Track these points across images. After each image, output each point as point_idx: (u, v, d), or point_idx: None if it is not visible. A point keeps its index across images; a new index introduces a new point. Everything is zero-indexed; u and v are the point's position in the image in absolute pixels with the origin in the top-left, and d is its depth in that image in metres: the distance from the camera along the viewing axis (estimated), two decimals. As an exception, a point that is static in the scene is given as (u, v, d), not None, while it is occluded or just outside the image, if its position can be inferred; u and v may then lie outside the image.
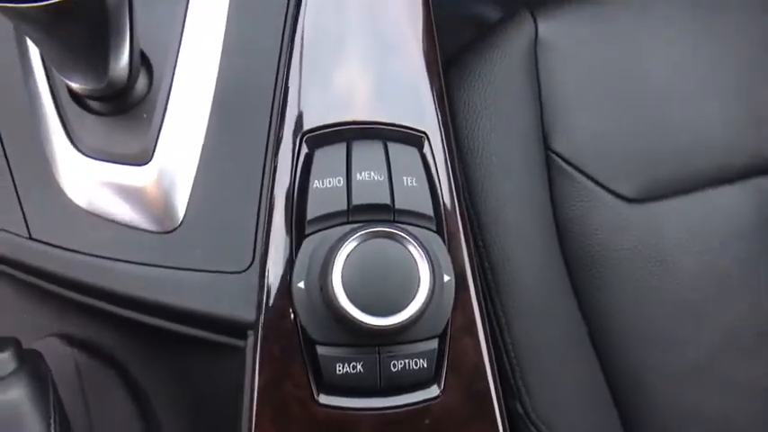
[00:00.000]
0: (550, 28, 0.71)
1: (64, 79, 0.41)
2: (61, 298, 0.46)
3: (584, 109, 0.72)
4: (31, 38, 0.36)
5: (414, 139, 0.44)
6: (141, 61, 0.43)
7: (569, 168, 0.71)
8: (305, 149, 0.43)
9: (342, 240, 0.37)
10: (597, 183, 0.72)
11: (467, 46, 0.73)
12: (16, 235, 0.43)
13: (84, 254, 0.43)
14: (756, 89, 0.76)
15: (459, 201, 0.44)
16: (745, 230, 0.75)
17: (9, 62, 0.45)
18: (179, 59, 0.44)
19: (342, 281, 0.36)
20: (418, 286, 0.37)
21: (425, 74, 0.46)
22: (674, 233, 0.73)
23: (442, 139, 0.45)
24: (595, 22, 0.73)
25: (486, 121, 0.68)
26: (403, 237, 0.37)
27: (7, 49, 0.46)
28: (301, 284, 0.39)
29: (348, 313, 0.36)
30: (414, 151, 0.43)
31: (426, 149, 0.44)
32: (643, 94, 0.73)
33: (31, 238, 0.43)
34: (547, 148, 0.71)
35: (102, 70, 0.37)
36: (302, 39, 0.45)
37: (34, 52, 0.45)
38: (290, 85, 0.44)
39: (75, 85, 0.41)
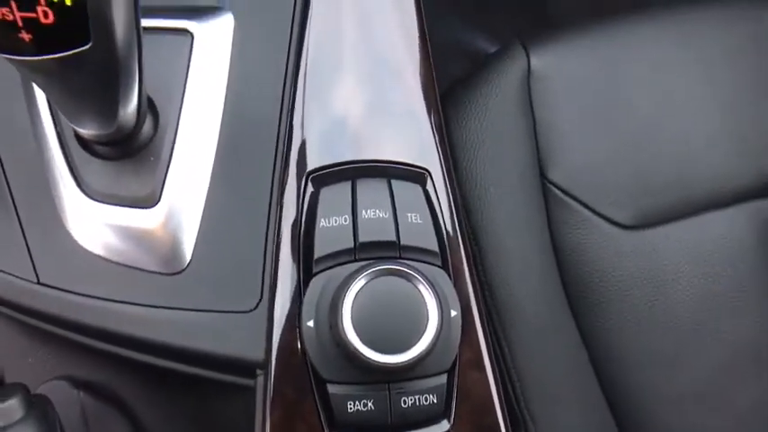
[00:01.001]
0: (542, 60, 0.73)
1: (72, 125, 0.42)
2: (66, 340, 0.46)
3: (577, 139, 0.73)
4: (39, 85, 0.37)
5: (417, 176, 0.45)
6: (147, 105, 0.44)
7: (565, 197, 0.72)
8: (310, 189, 0.43)
9: (350, 279, 0.38)
10: (593, 210, 0.73)
11: (461, 80, 0.74)
12: (25, 280, 0.43)
13: (93, 297, 0.43)
14: (746, 113, 0.78)
15: (462, 235, 0.45)
16: (741, 254, 0.76)
17: (15, 106, 0.46)
18: (184, 102, 0.45)
19: (352, 319, 0.37)
20: (427, 323, 0.37)
21: (425, 110, 0.47)
22: (671, 258, 0.74)
23: (443, 175, 0.46)
24: (586, 54, 0.75)
25: (483, 153, 0.69)
26: (411, 274, 0.38)
27: (14, 93, 0.46)
28: (310, 323, 0.40)
29: (359, 352, 0.36)
30: (417, 188, 0.44)
31: (429, 186, 0.45)
32: (634, 123, 0.74)
33: (39, 282, 0.43)
34: (543, 177, 0.72)
35: (110, 116, 0.38)
36: (304, 78, 0.46)
37: (41, 96, 0.46)
38: (293, 125, 0.45)
39: (82, 131, 0.42)
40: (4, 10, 0.29)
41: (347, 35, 0.48)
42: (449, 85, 0.74)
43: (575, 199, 0.72)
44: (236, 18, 0.48)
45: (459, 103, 0.72)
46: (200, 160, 0.45)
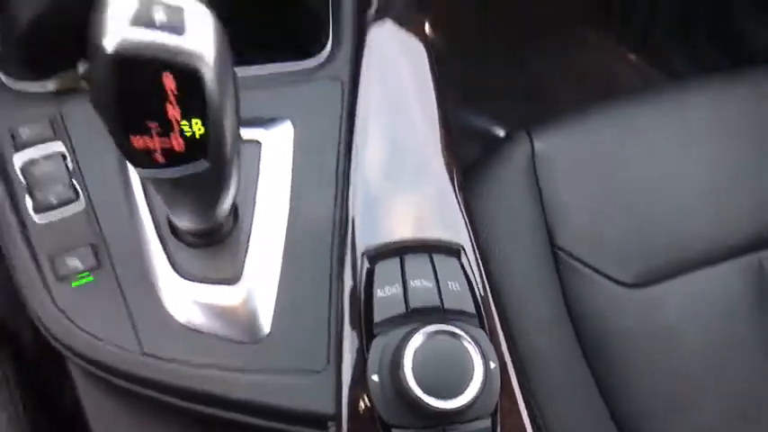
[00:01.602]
0: (545, 143, 0.83)
1: (173, 219, 0.51)
2: (160, 404, 0.53)
3: (581, 209, 0.83)
4: (155, 189, 0.45)
5: (453, 251, 0.53)
6: None
7: (575, 262, 0.80)
8: (366, 264, 0.52)
9: (408, 338, 0.46)
10: (599, 272, 0.81)
11: (474, 164, 0.84)
12: (131, 351, 0.51)
13: (189, 364, 0.51)
14: (734, 183, 0.87)
15: (494, 299, 0.53)
16: (737, 305, 0.83)
17: (116, 199, 0.54)
18: (257, 199, 0.54)
19: (413, 371, 0.44)
20: (473, 373, 0.45)
21: (454, 194, 0.57)
22: (674, 312, 0.82)
23: (473, 250, 0.54)
24: (584, 135, 0.86)
25: (498, 227, 0.79)
26: (457, 333, 0.46)
27: (113, 186, 0.55)
28: (375, 377, 0.47)
29: (420, 399, 0.44)
30: (454, 261, 0.53)
31: (464, 259, 0.53)
32: (631, 194, 0.84)
33: (143, 353, 0.51)
34: (553, 245, 0.81)
35: (210, 214, 0.47)
36: (355, 173, 0.56)
37: (137, 187, 0.54)
38: (349, 211, 0.54)
39: (181, 224, 0.50)
40: (150, 143, 0.38)
41: (388, 135, 0.58)
42: (463, 167, 0.84)
43: (582, 263, 0.81)
44: (293, 125, 0.58)
45: (473, 184, 0.82)
46: (272, 246, 0.54)
